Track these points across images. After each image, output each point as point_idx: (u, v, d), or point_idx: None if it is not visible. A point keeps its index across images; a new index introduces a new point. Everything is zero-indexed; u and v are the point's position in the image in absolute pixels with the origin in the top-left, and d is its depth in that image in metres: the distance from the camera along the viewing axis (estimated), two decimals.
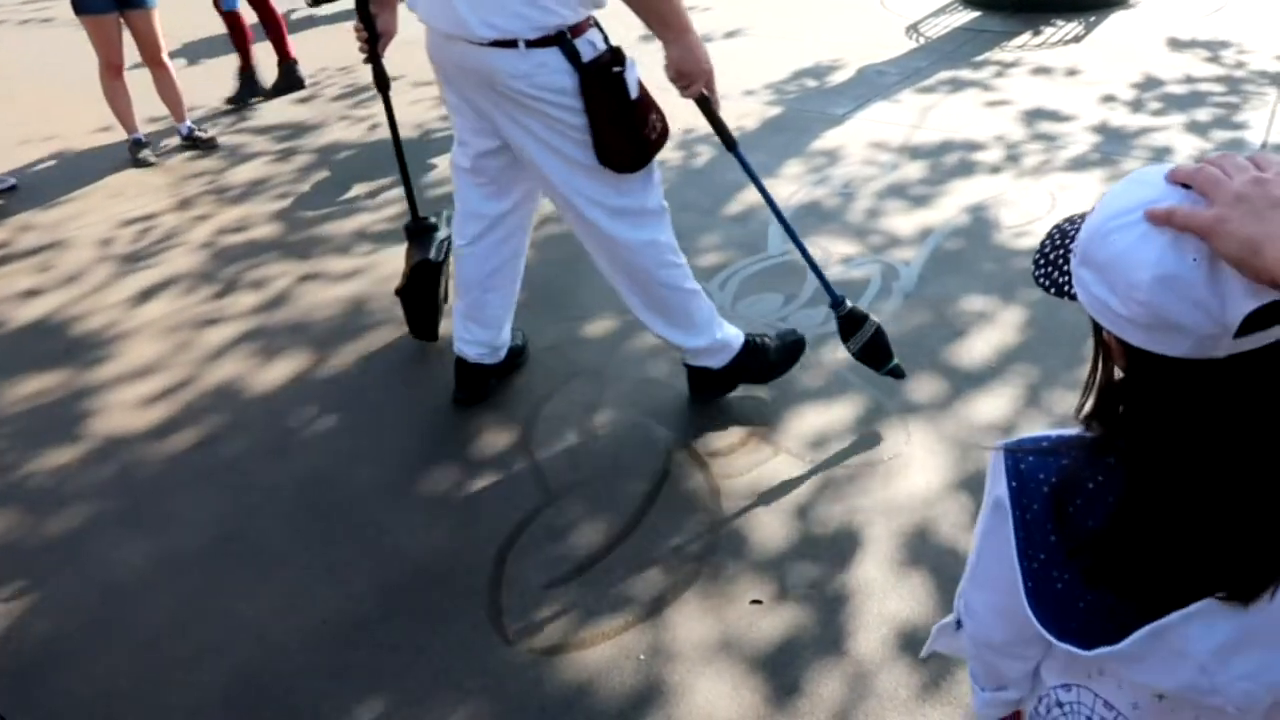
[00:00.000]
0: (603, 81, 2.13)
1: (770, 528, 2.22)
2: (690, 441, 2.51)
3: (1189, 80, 4.76)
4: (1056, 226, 0.88)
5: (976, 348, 2.78)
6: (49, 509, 2.44)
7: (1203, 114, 4.32)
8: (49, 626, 2.10)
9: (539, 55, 2.08)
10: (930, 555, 2.10)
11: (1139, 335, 0.76)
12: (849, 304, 2.46)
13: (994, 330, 2.87)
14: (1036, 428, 2.45)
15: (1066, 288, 0.83)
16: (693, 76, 2.18)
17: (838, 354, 2.79)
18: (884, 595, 2.02)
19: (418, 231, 2.82)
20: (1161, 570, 0.81)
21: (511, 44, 2.07)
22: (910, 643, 1.91)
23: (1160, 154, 3.95)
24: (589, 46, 2.12)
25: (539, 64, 2.09)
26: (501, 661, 1.94)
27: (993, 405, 2.55)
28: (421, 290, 2.83)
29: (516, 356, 2.81)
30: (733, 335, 2.55)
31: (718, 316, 2.53)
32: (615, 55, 2.15)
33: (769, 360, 2.62)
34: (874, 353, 2.48)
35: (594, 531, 2.24)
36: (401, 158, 2.77)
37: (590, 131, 2.16)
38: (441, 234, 2.84)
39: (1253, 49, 5.14)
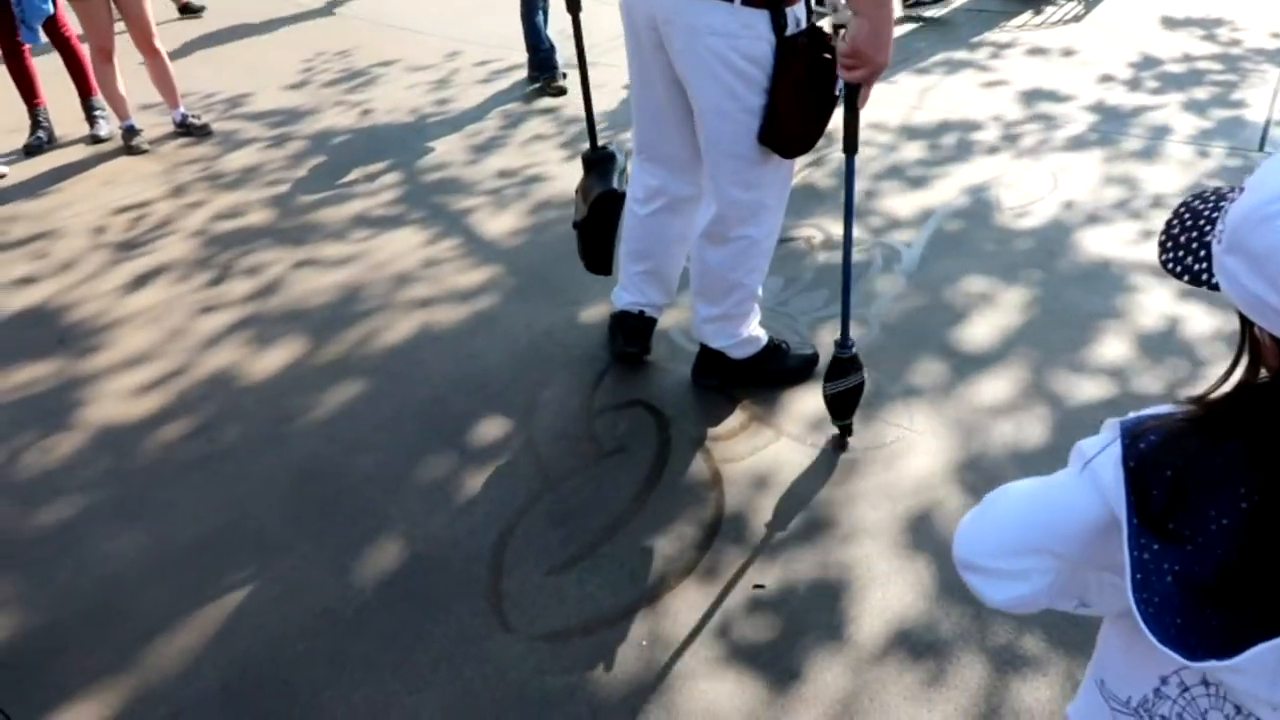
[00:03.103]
0: (811, 65, 2.06)
1: (772, 513, 2.20)
2: (690, 426, 2.49)
3: (1187, 59, 4.72)
4: (1185, 205, 0.80)
5: (979, 330, 2.76)
6: (43, 500, 2.41)
7: (1201, 93, 4.29)
8: (44, 619, 2.08)
9: (748, 15, 2.01)
10: (934, 540, 2.09)
11: None
12: (854, 351, 2.32)
13: (996, 312, 2.84)
14: (1040, 410, 2.43)
15: (1205, 276, 0.75)
16: (869, 60, 1.94)
17: (838, 336, 2.77)
18: (887, 581, 2.01)
19: (596, 161, 2.69)
20: None
21: None
22: (914, 629, 1.90)
23: (1160, 133, 3.92)
24: (794, 20, 2.05)
25: (746, 24, 2.02)
26: (502, 649, 1.92)
27: (995, 387, 2.53)
28: (604, 222, 2.69)
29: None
30: (760, 331, 2.55)
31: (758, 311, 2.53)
32: (816, 36, 2.08)
33: (786, 367, 2.61)
34: (843, 403, 2.35)
35: (594, 517, 2.22)
36: (585, 82, 2.60)
37: (766, 110, 2.10)
38: (620, 163, 2.71)
39: (1249, 27, 5.11)
